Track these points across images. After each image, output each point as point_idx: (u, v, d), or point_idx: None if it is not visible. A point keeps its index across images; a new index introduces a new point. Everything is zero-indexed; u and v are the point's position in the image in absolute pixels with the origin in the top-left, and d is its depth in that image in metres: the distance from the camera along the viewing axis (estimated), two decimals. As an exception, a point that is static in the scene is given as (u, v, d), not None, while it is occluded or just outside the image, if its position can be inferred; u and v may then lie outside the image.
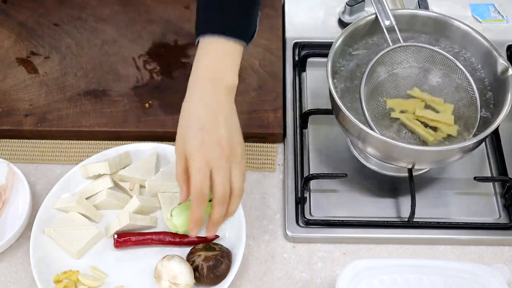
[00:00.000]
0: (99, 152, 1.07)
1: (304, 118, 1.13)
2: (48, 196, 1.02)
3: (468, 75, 1.02)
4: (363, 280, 0.88)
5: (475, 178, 1.04)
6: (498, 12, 1.31)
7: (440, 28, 1.08)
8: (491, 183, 1.08)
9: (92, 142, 1.13)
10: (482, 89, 1.03)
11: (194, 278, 0.92)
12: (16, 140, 1.14)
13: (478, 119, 1.00)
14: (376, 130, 0.96)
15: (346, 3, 1.27)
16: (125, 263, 0.98)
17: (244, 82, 1.17)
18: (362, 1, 1.27)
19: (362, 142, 0.99)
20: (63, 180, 1.04)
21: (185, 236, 0.99)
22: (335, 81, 1.04)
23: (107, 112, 1.14)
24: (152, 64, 1.22)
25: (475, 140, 0.94)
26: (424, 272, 0.90)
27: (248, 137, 1.12)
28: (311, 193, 1.07)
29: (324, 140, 1.13)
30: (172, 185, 1.02)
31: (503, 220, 1.03)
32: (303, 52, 1.22)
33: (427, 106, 1.02)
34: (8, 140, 1.14)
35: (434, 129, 1.00)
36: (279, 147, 1.13)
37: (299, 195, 1.04)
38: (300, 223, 1.02)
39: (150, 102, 1.16)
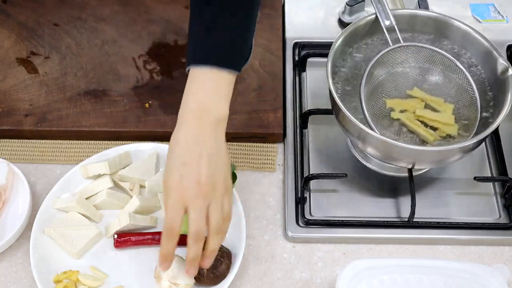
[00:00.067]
0: (99, 152, 1.07)
1: (304, 118, 1.13)
2: (48, 196, 1.02)
3: (468, 75, 1.02)
4: (363, 280, 0.88)
5: (475, 178, 1.04)
6: (498, 12, 1.31)
7: (440, 28, 1.08)
8: (491, 183, 1.08)
9: (92, 142, 1.13)
10: (482, 89, 1.03)
11: (194, 278, 0.92)
12: (16, 140, 1.14)
13: (478, 119, 1.00)
14: (376, 130, 0.96)
15: (346, 3, 1.27)
16: (125, 263, 0.98)
17: (244, 82, 1.17)
18: (362, 1, 1.27)
19: (362, 142, 0.99)
20: (63, 180, 1.04)
21: (185, 236, 0.98)
22: (335, 81, 1.04)
23: (107, 112, 1.14)
24: (152, 64, 1.22)
25: (475, 140, 0.94)
26: (424, 272, 0.90)
27: (248, 137, 1.12)
28: (311, 193, 1.07)
29: (324, 140, 1.13)
30: (172, 185, 1.02)
31: (503, 220, 1.03)
32: (303, 52, 1.22)
33: (427, 106, 1.02)
34: (8, 140, 1.14)
35: (434, 129, 1.00)
36: (279, 147, 1.13)
37: (299, 195, 1.04)
38: (300, 223, 1.02)
39: (150, 102, 1.16)
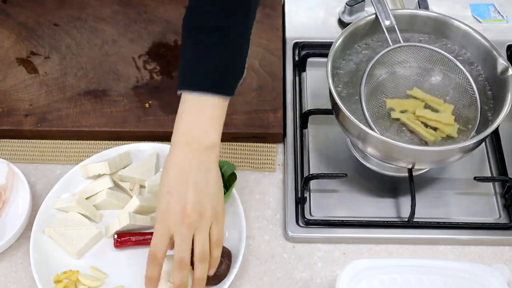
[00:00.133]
0: (99, 152, 1.07)
1: (304, 118, 1.13)
2: (48, 196, 1.02)
3: (468, 75, 1.02)
4: (363, 280, 0.88)
5: (475, 178, 1.04)
6: (498, 12, 1.31)
7: (440, 28, 1.08)
8: (491, 183, 1.08)
9: (92, 142, 1.13)
10: (482, 89, 1.03)
11: (194, 278, 0.92)
12: (16, 140, 1.14)
13: (478, 119, 1.00)
14: (376, 130, 0.96)
15: (346, 3, 1.27)
16: (125, 263, 0.98)
17: (244, 82, 1.16)
18: (362, 1, 1.27)
19: (362, 142, 0.99)
20: (63, 180, 1.04)
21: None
22: (335, 81, 1.04)
23: (107, 112, 1.14)
24: (152, 64, 1.22)
25: (475, 140, 0.94)
26: (424, 272, 0.90)
27: (248, 137, 1.12)
28: (311, 193, 1.07)
29: (324, 140, 1.13)
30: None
31: (503, 220, 1.03)
32: (303, 52, 1.22)
33: (427, 106, 1.02)
34: (8, 140, 1.14)
35: (434, 129, 1.00)
36: (279, 147, 1.13)
37: (299, 195, 1.04)
38: (300, 223, 1.02)
39: (150, 102, 1.16)
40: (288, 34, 1.27)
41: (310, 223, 1.02)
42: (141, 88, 1.18)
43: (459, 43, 1.07)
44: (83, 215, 1.01)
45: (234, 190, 1.01)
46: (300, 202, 1.04)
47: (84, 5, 1.31)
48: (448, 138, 0.99)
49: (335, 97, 0.98)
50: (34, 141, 1.14)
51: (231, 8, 0.90)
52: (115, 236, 0.99)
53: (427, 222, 1.02)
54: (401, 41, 1.03)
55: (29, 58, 1.23)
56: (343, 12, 1.29)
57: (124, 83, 1.19)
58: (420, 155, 0.98)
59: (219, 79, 0.89)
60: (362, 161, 1.10)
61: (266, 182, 1.09)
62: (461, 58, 1.06)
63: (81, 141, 1.14)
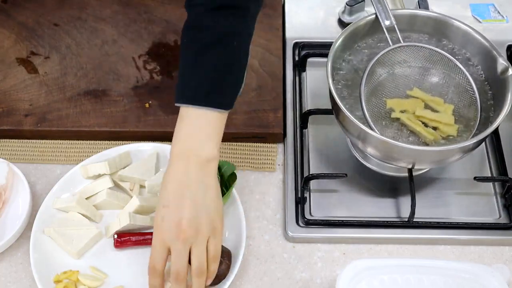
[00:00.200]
0: (99, 152, 1.07)
1: (304, 118, 1.13)
2: (48, 196, 1.02)
3: (468, 75, 1.02)
4: (363, 280, 0.88)
5: (475, 178, 1.04)
6: (498, 12, 1.31)
7: (440, 28, 1.08)
8: (491, 183, 1.08)
9: (92, 142, 1.13)
10: (482, 89, 1.03)
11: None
12: (16, 140, 1.14)
13: (478, 119, 1.00)
14: (376, 130, 0.96)
15: (346, 3, 1.27)
16: (125, 263, 0.98)
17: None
18: (362, 1, 1.27)
19: (362, 142, 0.99)
20: (63, 180, 1.04)
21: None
22: (335, 81, 1.04)
23: (107, 112, 1.14)
24: (152, 64, 1.22)
25: (475, 140, 0.94)
26: (424, 272, 0.90)
27: (248, 137, 1.12)
28: (311, 193, 1.07)
29: (324, 140, 1.13)
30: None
31: (503, 220, 1.03)
32: (303, 52, 1.22)
33: (427, 106, 1.02)
34: (8, 140, 1.14)
35: (434, 129, 1.00)
36: (279, 147, 1.13)
37: (299, 195, 1.04)
38: (300, 223, 1.02)
39: (150, 102, 1.16)
40: (288, 34, 1.27)
41: (310, 223, 1.02)
42: (141, 88, 1.18)
43: (459, 43, 1.07)
44: (83, 215, 1.01)
45: (234, 190, 1.01)
46: (300, 202, 1.04)
47: (84, 5, 1.31)
48: (448, 138, 0.99)
49: (335, 97, 0.98)
50: (34, 141, 1.14)
51: (229, 22, 0.89)
52: (115, 236, 0.99)
53: (427, 222, 1.02)
54: (401, 41, 1.03)
55: (29, 58, 1.23)
56: (343, 12, 1.29)
57: (124, 83, 1.19)
58: (420, 155, 0.98)
59: (217, 93, 0.89)
60: (362, 161, 1.10)
61: (266, 182, 1.09)
62: (461, 58, 1.06)
63: (81, 141, 1.14)
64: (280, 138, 1.13)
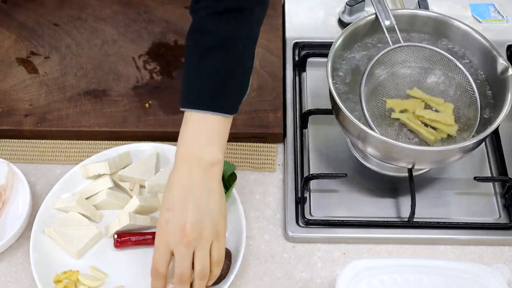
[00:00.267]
0: (99, 152, 1.07)
1: (304, 118, 1.13)
2: (48, 196, 1.02)
3: (468, 75, 1.02)
4: (363, 280, 0.88)
5: (475, 178, 1.04)
6: (498, 12, 1.31)
7: (440, 28, 1.08)
8: (491, 183, 1.08)
9: (92, 142, 1.13)
10: (482, 89, 1.03)
11: (194, 278, 0.92)
12: (16, 140, 1.14)
13: (478, 119, 1.00)
14: (376, 130, 0.96)
15: (346, 3, 1.27)
16: (125, 263, 0.98)
17: (244, 82, 1.17)
18: (362, 1, 1.27)
19: (362, 142, 0.99)
20: (63, 180, 1.04)
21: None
22: (335, 81, 1.04)
23: (107, 112, 1.14)
24: (152, 64, 1.22)
25: (475, 140, 0.94)
26: (424, 272, 0.90)
27: (248, 137, 1.12)
28: (311, 193, 1.07)
29: (324, 140, 1.13)
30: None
31: (503, 220, 1.03)
32: (303, 52, 1.22)
33: (427, 106, 1.02)
34: (8, 140, 1.14)
35: (434, 129, 1.00)
36: (279, 147, 1.13)
37: (299, 195, 1.04)
38: (300, 223, 1.02)
39: (150, 102, 1.16)
40: (288, 34, 1.27)
41: (310, 223, 1.02)
42: (141, 88, 1.18)
43: (459, 43, 1.07)
44: (83, 215, 1.01)
45: (234, 190, 1.01)
46: (300, 202, 1.04)
47: (84, 5, 1.31)
48: (448, 138, 0.99)
49: (335, 97, 0.98)
50: (34, 141, 1.14)
51: (231, 26, 0.90)
52: (115, 236, 0.99)
53: (427, 222, 1.02)
54: (401, 41, 1.03)
55: (29, 58, 1.23)
56: (343, 12, 1.29)
57: (124, 83, 1.19)
58: (420, 155, 0.98)
59: (219, 97, 0.89)
60: (362, 161, 1.10)
61: (266, 182, 1.09)
62: (461, 58, 1.06)
63: (81, 141, 1.14)
64: (280, 138, 1.13)
